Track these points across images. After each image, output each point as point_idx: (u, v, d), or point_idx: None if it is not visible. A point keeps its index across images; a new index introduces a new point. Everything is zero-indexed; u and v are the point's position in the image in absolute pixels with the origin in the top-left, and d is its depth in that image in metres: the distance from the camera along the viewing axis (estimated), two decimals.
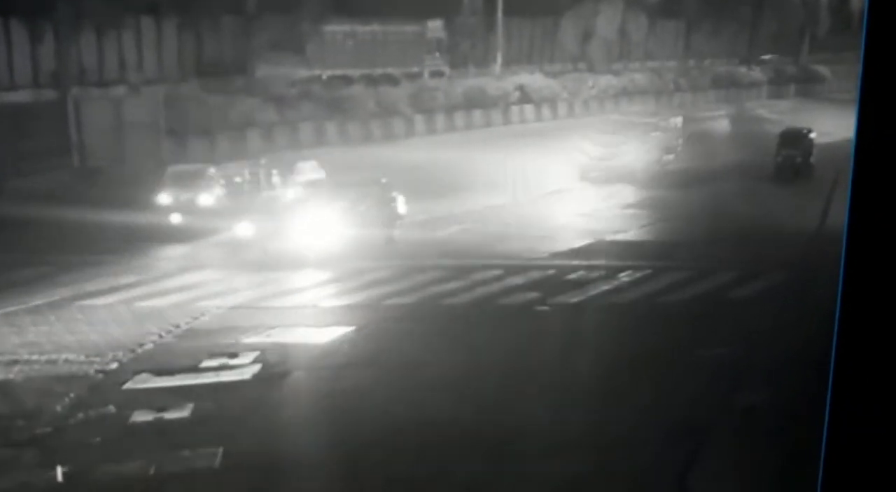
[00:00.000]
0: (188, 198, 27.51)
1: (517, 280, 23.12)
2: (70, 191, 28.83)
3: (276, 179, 29.19)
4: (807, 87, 71.24)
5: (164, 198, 27.59)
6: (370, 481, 13.35)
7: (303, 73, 46.93)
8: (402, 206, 27.09)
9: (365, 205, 25.86)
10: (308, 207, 25.07)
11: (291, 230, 24.48)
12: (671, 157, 37.89)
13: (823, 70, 72.35)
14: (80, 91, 38.68)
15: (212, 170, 29.35)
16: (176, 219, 27.09)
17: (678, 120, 41.14)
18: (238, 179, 28.72)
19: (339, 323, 20.08)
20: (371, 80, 49.39)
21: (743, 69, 70.30)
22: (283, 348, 18.50)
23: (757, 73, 70.51)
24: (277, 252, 24.13)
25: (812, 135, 38.16)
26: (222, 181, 28.39)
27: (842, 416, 2.89)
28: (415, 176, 33.00)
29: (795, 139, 37.72)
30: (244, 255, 24.42)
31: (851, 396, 2.88)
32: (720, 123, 54.11)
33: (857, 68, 2.79)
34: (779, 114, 55.55)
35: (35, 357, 17.71)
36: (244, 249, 24.63)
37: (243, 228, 25.07)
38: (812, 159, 37.16)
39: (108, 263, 24.10)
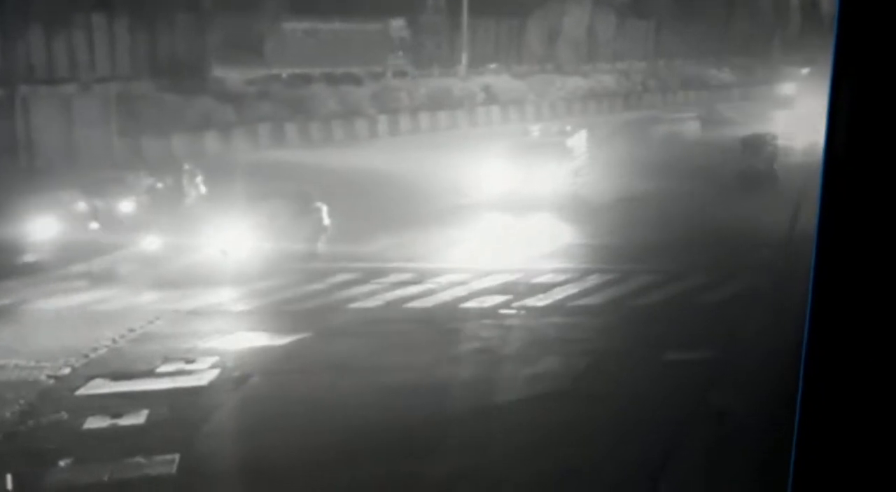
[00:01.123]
0: (105, 205, 26.21)
1: None
2: (10, 192, 27.80)
3: (202, 186, 28.01)
4: (777, 89, 71.12)
5: (81, 205, 26.06)
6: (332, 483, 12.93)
7: (261, 71, 46.19)
8: (326, 217, 25.81)
9: (285, 216, 24.30)
10: (220, 220, 23.55)
11: (204, 243, 23.20)
12: (580, 179, 34.17)
13: (794, 72, 72.30)
14: (29, 89, 37.78)
15: (133, 176, 28.32)
16: (94, 227, 25.78)
17: (583, 134, 36.68)
18: (160, 186, 27.70)
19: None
20: (332, 80, 48.73)
21: (713, 70, 70.13)
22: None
23: (727, 75, 70.35)
24: (183, 268, 22.95)
25: (777, 141, 37.42)
26: (143, 188, 27.30)
27: (812, 420, 2.92)
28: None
29: (759, 146, 36.94)
30: (147, 270, 23.35)
31: (821, 400, 2.91)
32: (687, 126, 53.50)
33: (828, 70, 2.71)
34: (747, 116, 55.18)
35: None
36: (151, 264, 23.53)
37: (151, 241, 23.95)
38: (776, 166, 36.36)
39: (55, 267, 23.57)
